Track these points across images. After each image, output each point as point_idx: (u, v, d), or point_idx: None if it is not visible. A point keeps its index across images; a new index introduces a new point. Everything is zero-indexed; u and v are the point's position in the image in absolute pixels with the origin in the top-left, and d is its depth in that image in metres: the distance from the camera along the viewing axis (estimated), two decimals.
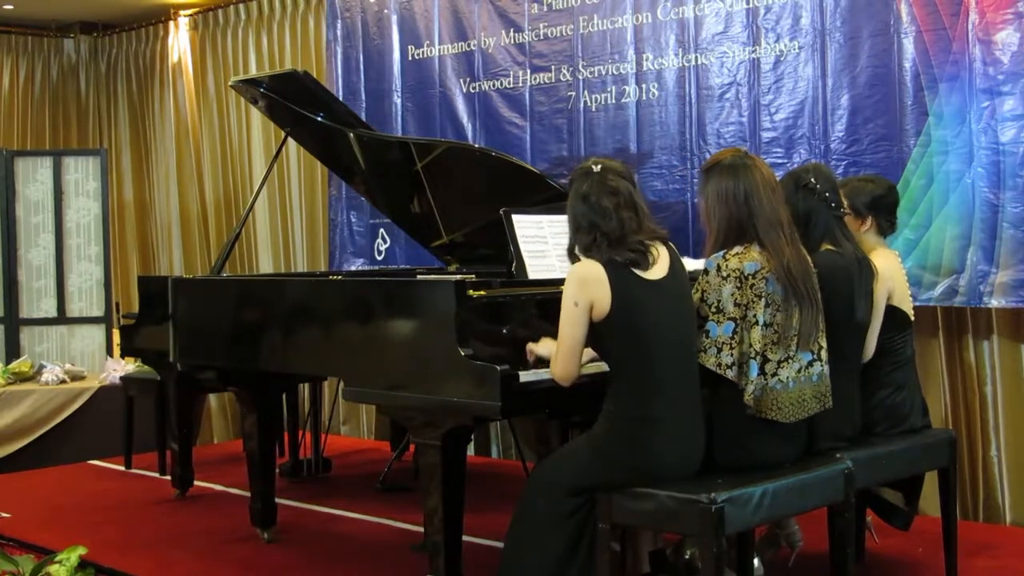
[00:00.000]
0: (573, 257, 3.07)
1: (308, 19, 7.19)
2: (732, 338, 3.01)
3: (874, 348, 3.57)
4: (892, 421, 3.61)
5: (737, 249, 3.06)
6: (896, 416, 3.62)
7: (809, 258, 3.18)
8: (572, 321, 2.97)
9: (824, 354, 3.15)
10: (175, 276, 5.35)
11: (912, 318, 3.69)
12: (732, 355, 3.01)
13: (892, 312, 3.61)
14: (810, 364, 3.10)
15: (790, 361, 3.04)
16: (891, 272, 3.63)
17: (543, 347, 3.27)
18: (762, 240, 3.05)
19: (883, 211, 3.73)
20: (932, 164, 4.51)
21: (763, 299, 3.00)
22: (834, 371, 3.25)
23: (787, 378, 3.03)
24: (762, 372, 3.00)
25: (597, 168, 3.05)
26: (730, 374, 3.01)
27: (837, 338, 3.27)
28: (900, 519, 3.76)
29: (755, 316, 3.00)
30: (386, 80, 6.35)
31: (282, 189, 7.34)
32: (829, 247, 3.45)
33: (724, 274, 3.03)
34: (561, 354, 3.02)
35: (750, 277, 3.01)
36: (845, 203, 3.57)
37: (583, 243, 3.02)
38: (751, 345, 2.99)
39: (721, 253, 3.07)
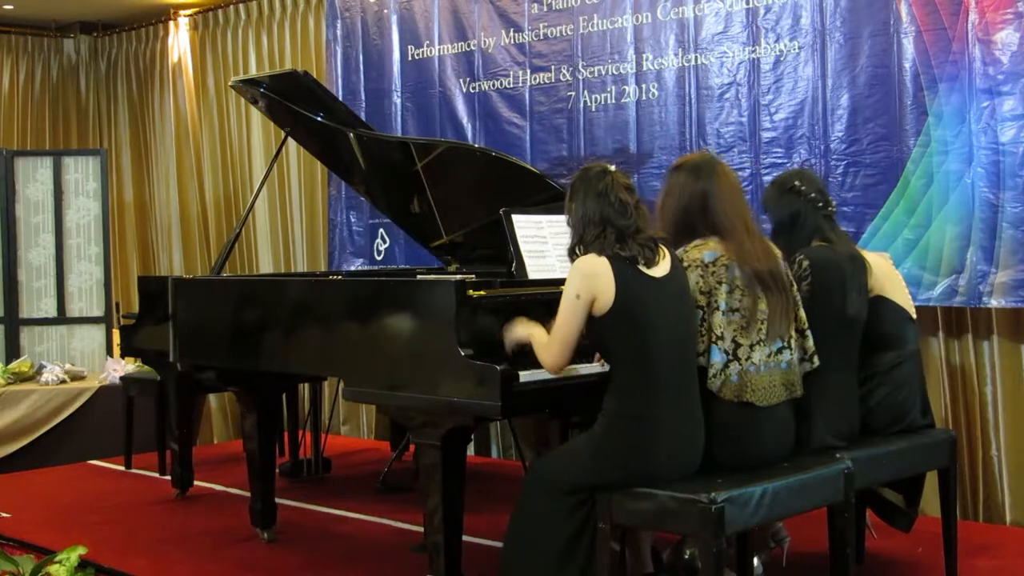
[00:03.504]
0: (574, 257, 3.07)
1: (308, 19, 7.19)
2: (701, 326, 3.05)
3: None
4: (892, 418, 3.61)
5: (696, 242, 3.13)
6: (897, 413, 3.62)
7: (777, 252, 3.20)
8: (571, 313, 2.98)
9: (794, 343, 3.18)
10: (175, 276, 5.34)
11: (913, 316, 3.69)
12: (703, 343, 3.05)
13: (886, 304, 3.60)
14: (779, 351, 3.13)
15: (761, 345, 3.07)
16: (879, 268, 3.62)
17: (519, 331, 3.24)
18: (720, 235, 3.10)
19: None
20: (932, 164, 4.51)
21: (724, 284, 3.05)
22: (826, 366, 3.28)
23: (759, 361, 3.06)
24: (736, 357, 3.03)
25: (613, 168, 3.12)
26: (701, 361, 3.04)
27: (828, 332, 3.29)
28: (902, 520, 3.76)
29: (716, 302, 3.04)
30: (386, 80, 6.35)
31: (282, 189, 7.35)
32: (820, 243, 3.47)
33: (686, 264, 3.09)
34: (556, 344, 3.04)
35: (711, 264, 3.06)
36: (832, 202, 3.59)
37: (590, 237, 3.02)
38: (711, 329, 3.03)
39: (682, 248, 3.13)
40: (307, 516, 4.88)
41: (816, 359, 3.25)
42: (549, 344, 3.07)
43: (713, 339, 3.03)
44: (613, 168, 3.12)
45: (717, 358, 3.03)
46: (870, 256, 3.67)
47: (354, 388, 3.65)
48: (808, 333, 3.25)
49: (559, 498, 3.01)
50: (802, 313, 3.23)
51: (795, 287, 3.23)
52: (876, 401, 3.60)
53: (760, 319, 3.07)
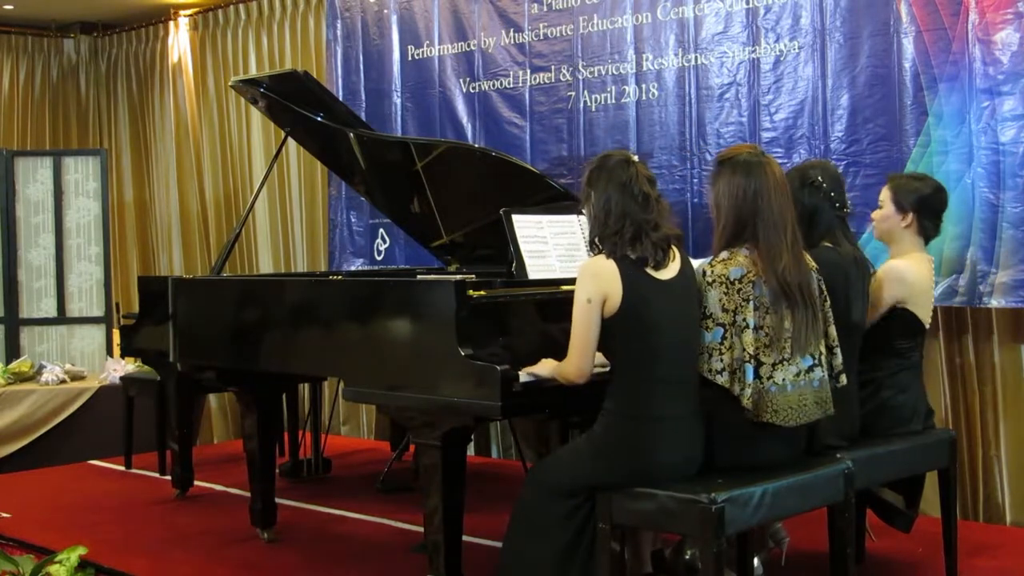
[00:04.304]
0: (595, 248, 3.04)
1: (308, 19, 7.19)
2: (721, 344, 2.99)
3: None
4: (893, 423, 3.61)
5: (723, 255, 3.06)
6: (897, 418, 3.61)
7: (812, 264, 3.16)
8: (585, 317, 2.96)
9: (825, 360, 3.13)
10: (175, 276, 5.34)
11: (926, 326, 3.68)
12: (722, 361, 2.99)
13: (905, 316, 3.60)
14: (810, 369, 3.07)
15: (786, 364, 3.02)
16: (913, 278, 3.59)
17: (543, 368, 3.21)
18: (761, 242, 3.03)
19: (926, 211, 3.68)
20: (932, 164, 4.50)
21: (751, 302, 2.99)
22: None
23: (784, 381, 3.01)
24: (757, 376, 2.98)
25: (635, 158, 3.06)
26: (720, 380, 2.99)
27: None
28: (901, 521, 3.76)
29: (744, 320, 2.98)
30: (386, 80, 6.35)
31: (282, 189, 7.35)
32: (828, 244, 3.46)
33: (710, 280, 3.03)
34: (575, 351, 3.01)
35: (736, 282, 3.00)
36: (849, 204, 3.58)
37: (610, 230, 2.98)
38: (744, 348, 2.97)
39: (708, 259, 3.09)
40: (307, 516, 4.88)
41: (843, 378, 3.21)
42: (569, 354, 3.04)
43: (747, 358, 2.96)
44: (635, 158, 3.07)
45: (751, 377, 2.97)
46: (913, 261, 3.63)
47: (354, 388, 3.65)
48: (837, 351, 3.20)
49: (559, 500, 3.00)
50: (832, 330, 3.19)
51: (828, 302, 3.18)
52: (876, 404, 3.59)
53: (785, 337, 3.01)
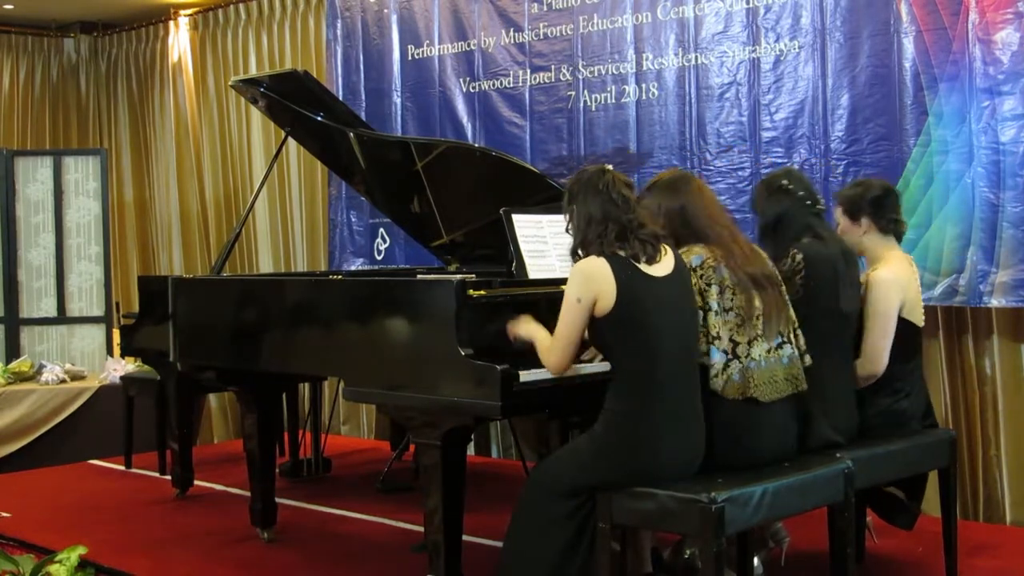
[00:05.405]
0: (576, 257, 3.07)
1: (308, 19, 7.19)
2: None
3: (886, 361, 3.55)
4: (892, 426, 3.61)
5: (681, 249, 3.14)
6: (897, 422, 3.62)
7: (763, 254, 3.24)
8: (573, 316, 2.99)
9: (794, 337, 3.20)
10: (175, 276, 5.34)
11: (921, 326, 3.68)
12: (703, 344, 3.06)
13: (902, 323, 3.60)
14: (779, 346, 3.14)
15: (760, 340, 3.08)
16: (902, 283, 3.60)
17: (523, 328, 3.27)
18: (705, 243, 3.13)
19: (878, 212, 3.68)
20: (932, 164, 4.51)
21: (714, 285, 3.07)
22: (822, 361, 3.28)
23: (759, 356, 3.08)
24: (736, 355, 3.05)
25: (610, 167, 3.13)
26: (705, 361, 3.05)
27: (822, 327, 3.29)
28: (903, 519, 3.76)
29: (708, 302, 3.06)
30: (386, 80, 6.35)
31: (282, 189, 7.35)
32: (812, 239, 3.48)
33: None
34: (558, 347, 3.05)
35: (698, 268, 3.09)
36: (821, 200, 3.60)
37: (592, 235, 3.01)
38: (709, 331, 3.05)
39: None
40: (307, 516, 4.88)
41: (808, 357, 3.25)
42: (552, 348, 3.08)
43: (710, 339, 3.05)
44: (610, 167, 3.13)
45: (717, 357, 3.04)
46: (893, 264, 3.63)
47: (354, 388, 3.65)
48: (799, 331, 3.25)
49: (560, 500, 3.00)
50: (791, 312, 3.24)
51: (783, 287, 3.23)
52: (877, 410, 3.59)
53: (755, 315, 3.09)
